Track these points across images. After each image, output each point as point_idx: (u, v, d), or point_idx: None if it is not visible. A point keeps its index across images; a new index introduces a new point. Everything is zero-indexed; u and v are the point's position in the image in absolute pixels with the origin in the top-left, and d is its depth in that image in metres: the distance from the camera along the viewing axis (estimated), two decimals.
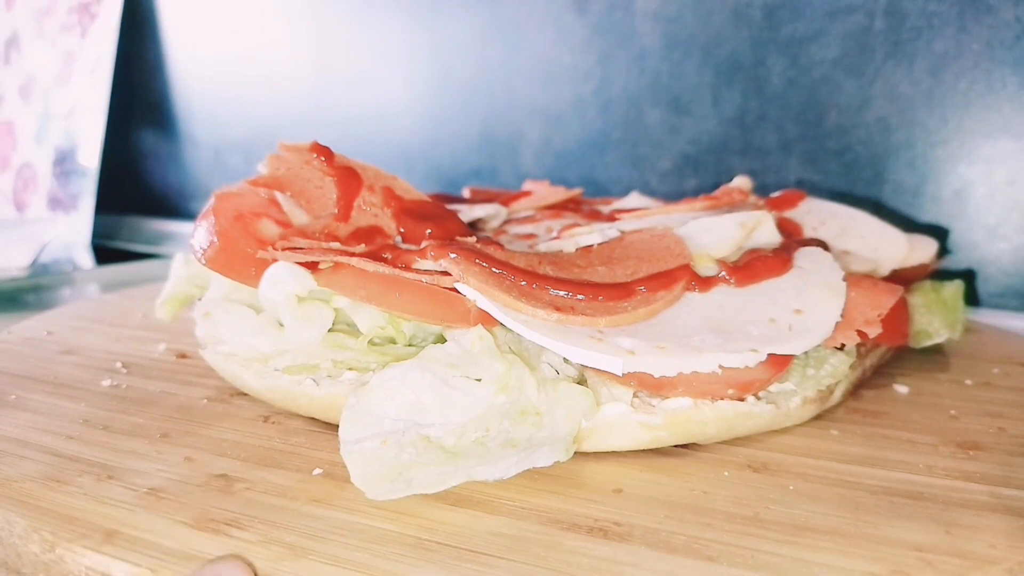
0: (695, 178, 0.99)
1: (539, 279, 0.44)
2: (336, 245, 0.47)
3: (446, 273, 0.43)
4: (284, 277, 0.46)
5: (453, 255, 0.44)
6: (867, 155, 0.87)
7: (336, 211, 0.51)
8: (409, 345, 0.47)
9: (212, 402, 0.51)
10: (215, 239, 0.48)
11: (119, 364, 0.57)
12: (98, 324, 0.68)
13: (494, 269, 0.44)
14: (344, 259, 0.44)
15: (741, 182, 0.69)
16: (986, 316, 0.80)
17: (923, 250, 0.65)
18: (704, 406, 0.42)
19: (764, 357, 0.42)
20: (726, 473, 0.42)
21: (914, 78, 0.83)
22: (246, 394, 0.51)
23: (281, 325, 0.46)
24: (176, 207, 1.51)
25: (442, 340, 0.44)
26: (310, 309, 0.46)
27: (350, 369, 0.46)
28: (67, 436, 0.44)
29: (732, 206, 0.63)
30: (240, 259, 0.48)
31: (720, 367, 0.42)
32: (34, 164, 1.42)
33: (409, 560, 0.32)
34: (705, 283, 0.48)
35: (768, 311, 0.46)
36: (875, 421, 0.49)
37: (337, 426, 0.39)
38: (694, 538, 0.35)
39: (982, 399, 0.54)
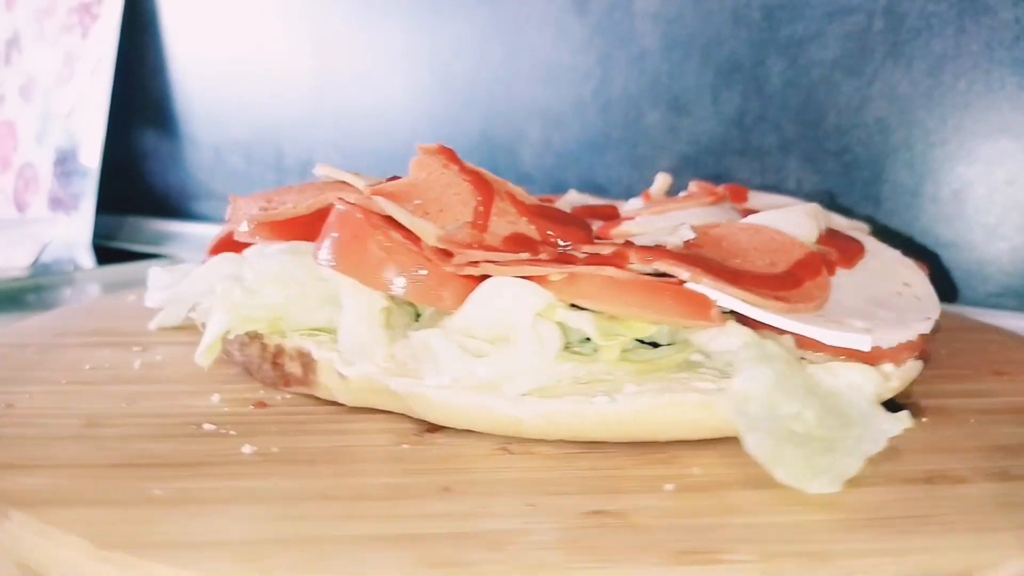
0: (695, 178, 0.98)
1: (741, 275, 0.45)
2: (520, 255, 0.44)
3: (666, 275, 0.44)
4: (525, 293, 0.42)
5: (650, 257, 0.43)
6: (866, 155, 0.88)
7: (471, 219, 0.47)
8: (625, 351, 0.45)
9: (415, 446, 0.44)
10: (369, 249, 0.44)
11: (209, 426, 0.46)
12: (55, 385, 0.54)
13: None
14: (591, 269, 0.43)
15: (663, 179, 0.70)
16: (986, 316, 0.80)
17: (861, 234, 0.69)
18: (899, 369, 0.47)
19: (934, 323, 0.48)
20: (924, 419, 0.47)
21: (913, 78, 0.83)
22: (436, 429, 0.46)
23: (491, 344, 0.43)
24: (177, 207, 1.51)
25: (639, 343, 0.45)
26: (543, 325, 0.43)
27: (596, 382, 0.43)
28: (345, 516, 0.35)
29: (723, 200, 0.66)
30: (392, 272, 0.45)
31: (919, 335, 0.46)
32: (35, 164, 1.42)
33: (908, 537, 0.34)
34: (831, 267, 0.50)
35: (888, 286, 0.50)
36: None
37: (596, 443, 0.42)
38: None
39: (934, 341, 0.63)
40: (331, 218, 0.48)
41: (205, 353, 0.51)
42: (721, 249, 0.50)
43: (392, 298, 0.47)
